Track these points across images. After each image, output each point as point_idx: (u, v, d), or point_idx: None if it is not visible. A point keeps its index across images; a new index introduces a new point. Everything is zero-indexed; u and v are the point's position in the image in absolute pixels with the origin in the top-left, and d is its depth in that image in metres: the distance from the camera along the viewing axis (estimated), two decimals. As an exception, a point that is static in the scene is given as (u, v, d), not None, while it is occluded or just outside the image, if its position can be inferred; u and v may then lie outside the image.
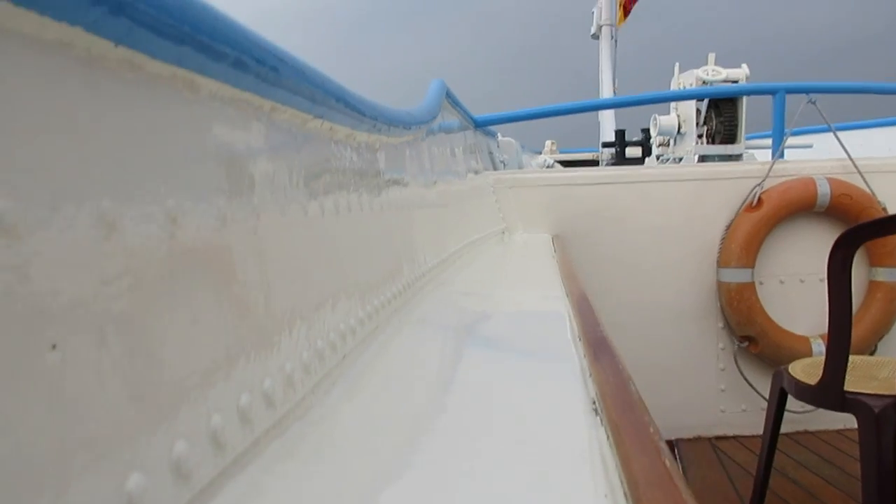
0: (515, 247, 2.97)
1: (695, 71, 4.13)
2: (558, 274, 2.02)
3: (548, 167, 6.51)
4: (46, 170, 0.39)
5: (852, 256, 2.01)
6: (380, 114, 1.24)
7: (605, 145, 6.06)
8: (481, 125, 3.43)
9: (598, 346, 0.96)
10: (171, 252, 0.52)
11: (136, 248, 0.47)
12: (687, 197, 3.39)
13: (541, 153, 7.10)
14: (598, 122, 6.78)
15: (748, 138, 4.30)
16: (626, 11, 6.86)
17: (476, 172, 3.18)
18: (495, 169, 3.68)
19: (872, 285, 3.30)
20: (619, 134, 5.81)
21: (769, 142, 3.68)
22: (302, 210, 0.84)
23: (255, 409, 0.62)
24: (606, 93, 6.90)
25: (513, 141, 3.82)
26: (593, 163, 6.75)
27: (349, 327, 0.96)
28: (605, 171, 3.50)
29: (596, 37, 7.19)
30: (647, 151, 5.43)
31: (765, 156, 3.90)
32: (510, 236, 3.25)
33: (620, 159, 5.81)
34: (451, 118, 2.59)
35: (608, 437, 0.65)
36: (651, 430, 0.63)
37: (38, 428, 0.37)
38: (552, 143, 7.38)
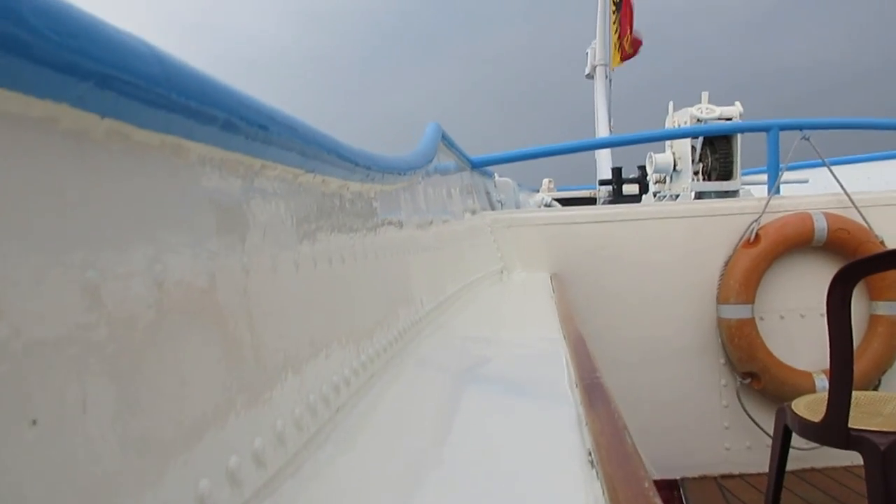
0: (514, 287, 2.97)
1: (689, 109, 4.17)
2: (556, 315, 2.01)
3: (545, 205, 6.53)
4: (31, 243, 0.39)
5: (851, 292, 2.01)
6: (373, 162, 1.25)
7: (602, 183, 6.10)
8: (478, 166, 3.46)
9: (593, 393, 0.96)
10: (157, 316, 0.52)
11: (121, 315, 0.47)
12: (684, 234, 3.39)
13: (538, 191, 7.14)
14: (595, 160, 6.84)
15: (744, 174, 4.32)
16: (625, 57, 6.95)
17: (473, 212, 3.19)
18: (493, 209, 3.70)
19: (873, 319, 3.28)
20: (616, 171, 5.85)
21: (765, 177, 3.70)
22: (293, 264, 0.84)
23: (244, 470, 0.62)
24: (602, 131, 6.98)
25: (509, 181, 3.85)
26: (591, 200, 6.79)
27: (343, 378, 0.96)
28: (601, 210, 3.52)
29: (591, 77, 7.29)
30: (643, 188, 5.46)
31: (761, 191, 3.92)
32: (509, 276, 3.25)
33: (618, 197, 5.84)
34: (447, 160, 2.61)
35: (604, 493, 0.65)
36: (646, 484, 0.62)
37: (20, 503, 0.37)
38: (549, 182, 7.43)
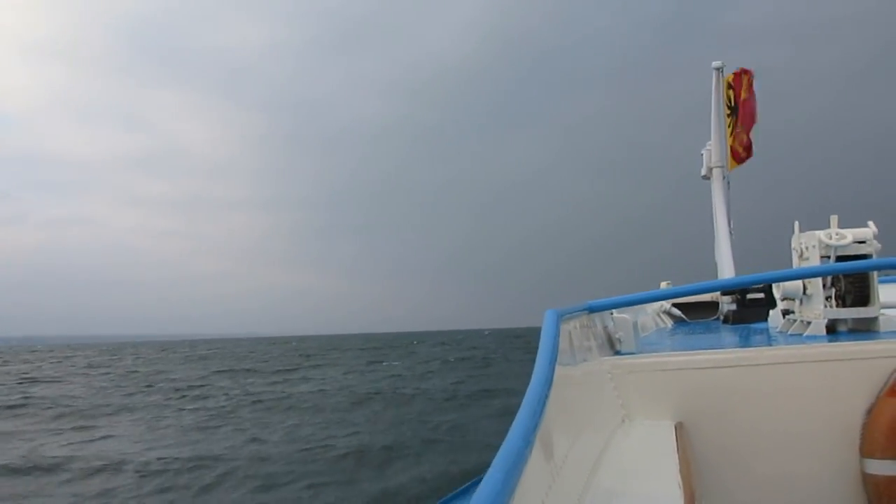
0: (636, 441, 2.88)
1: (817, 233, 3.97)
2: (677, 476, 2.01)
3: (665, 312, 6.35)
4: None
5: None
6: None
7: (726, 293, 5.87)
8: (596, 310, 3.44)
9: None
10: None
11: None
12: (819, 379, 3.20)
13: (657, 298, 6.95)
14: (717, 265, 6.61)
15: (881, 282, 4.03)
16: (738, 160, 6.77)
17: (591, 357, 3.15)
18: (612, 348, 3.64)
19: None
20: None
21: None
22: None
23: None
24: (722, 234, 6.75)
25: (627, 317, 3.82)
26: (713, 305, 6.53)
27: None
28: (728, 354, 3.38)
29: (707, 178, 7.13)
30: (770, 300, 5.20)
31: None
32: (630, 425, 3.16)
33: (741, 306, 5.61)
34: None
35: None
36: None
37: None
38: (667, 285, 7.21)
